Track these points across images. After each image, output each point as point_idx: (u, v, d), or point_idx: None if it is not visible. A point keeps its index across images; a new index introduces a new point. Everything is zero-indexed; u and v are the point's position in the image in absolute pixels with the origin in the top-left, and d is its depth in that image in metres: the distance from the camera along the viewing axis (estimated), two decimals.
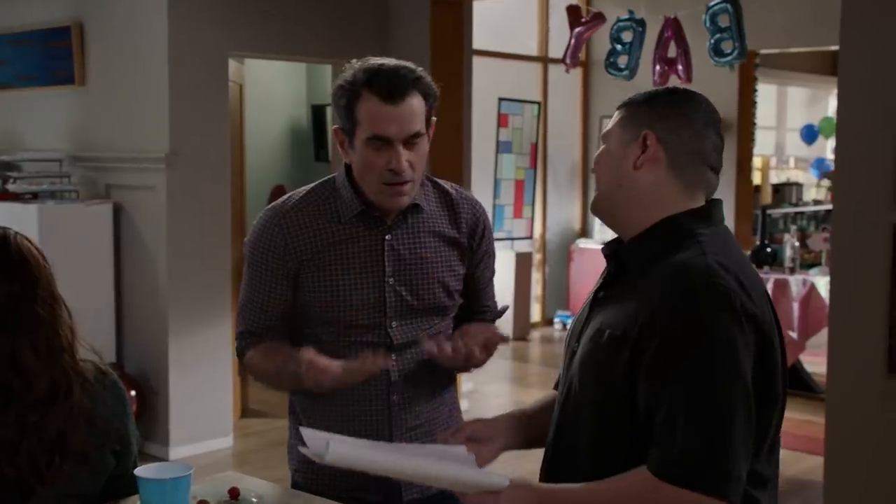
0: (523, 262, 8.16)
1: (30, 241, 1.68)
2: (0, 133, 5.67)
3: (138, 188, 5.02)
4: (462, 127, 5.93)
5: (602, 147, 1.57)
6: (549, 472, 1.57)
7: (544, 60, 8.52)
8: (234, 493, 1.70)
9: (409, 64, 1.84)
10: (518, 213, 8.39)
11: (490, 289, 2.05)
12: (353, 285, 1.85)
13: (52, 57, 5.32)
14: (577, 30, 4.84)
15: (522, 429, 1.69)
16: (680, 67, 4.77)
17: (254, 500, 1.69)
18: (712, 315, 1.35)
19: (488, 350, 1.90)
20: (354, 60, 1.88)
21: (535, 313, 8.61)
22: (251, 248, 1.92)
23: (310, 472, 1.92)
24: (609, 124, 1.57)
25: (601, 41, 7.17)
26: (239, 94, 5.61)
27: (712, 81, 4.85)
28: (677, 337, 1.35)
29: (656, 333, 1.37)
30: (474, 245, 1.98)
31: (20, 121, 5.56)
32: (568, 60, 4.76)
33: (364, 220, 1.87)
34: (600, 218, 1.58)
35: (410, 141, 1.79)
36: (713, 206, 1.51)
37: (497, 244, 8.67)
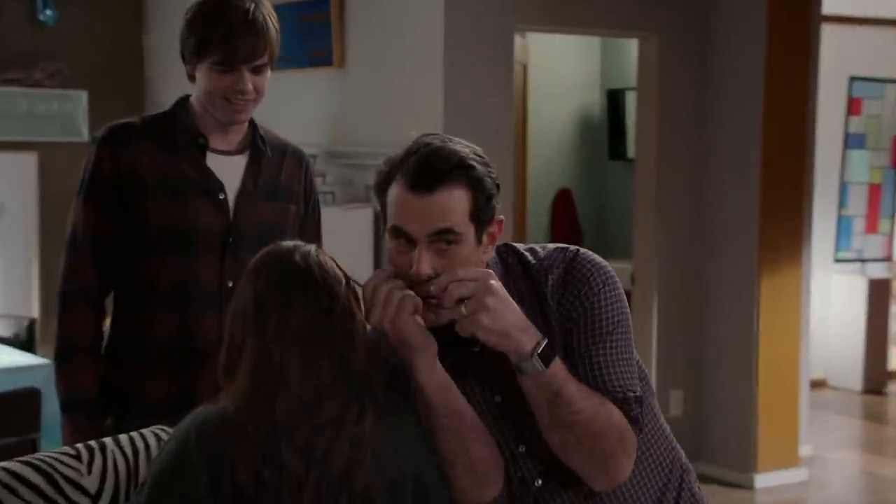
0: (878, 291, 7.83)
1: (326, 255, 1.87)
2: None
3: None
4: (805, 116, 5.75)
5: None
6: None
7: None
8: None
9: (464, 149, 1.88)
10: (872, 228, 8.07)
11: None
12: None
13: (307, 33, 5.65)
14: None
15: None
16: None
17: None
18: None
19: None
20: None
21: (895, 359, 8.15)
22: None
23: None
24: None
25: None
26: (522, 78, 5.71)
27: None
28: None
29: None
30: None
31: (269, 109, 5.95)
32: None
33: None
34: None
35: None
36: None
37: (843, 267, 8.22)
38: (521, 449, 1.92)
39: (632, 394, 1.91)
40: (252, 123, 2.69)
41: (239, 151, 2.64)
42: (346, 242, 5.20)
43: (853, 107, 7.88)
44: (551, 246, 2.01)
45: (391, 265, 1.88)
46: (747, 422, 5.60)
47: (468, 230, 1.85)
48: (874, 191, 8.06)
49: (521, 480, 1.92)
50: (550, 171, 7.43)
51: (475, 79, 5.10)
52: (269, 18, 2.54)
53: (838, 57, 7.31)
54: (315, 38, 5.62)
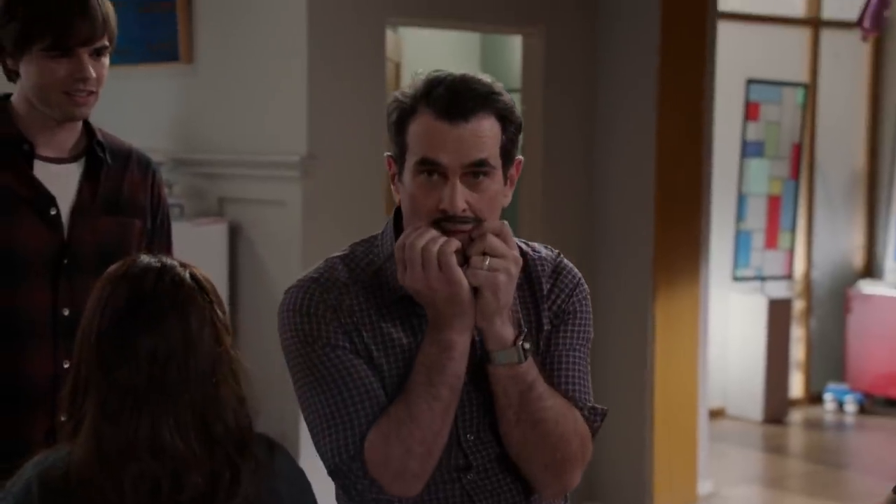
0: (779, 312, 7.97)
1: (198, 279, 1.75)
2: None
3: (263, 203, 5.14)
4: (701, 121, 5.85)
5: None
6: None
7: (815, 23, 8.31)
8: None
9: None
10: (771, 243, 8.22)
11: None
12: None
13: (148, 23, 5.52)
14: None
15: None
16: None
17: None
18: None
19: None
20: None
21: (796, 386, 8.38)
22: None
23: None
24: None
25: None
26: (395, 77, 5.70)
27: None
28: None
29: None
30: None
31: (110, 110, 5.79)
32: (867, 23, 4.59)
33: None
34: None
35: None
36: None
37: (742, 286, 8.31)
38: (470, 437, 2.01)
39: (599, 406, 2.08)
40: (87, 125, 2.59)
41: (72, 159, 2.53)
42: (196, 263, 5.08)
43: (751, 112, 8.03)
44: (536, 244, 2.16)
45: (413, 205, 1.95)
46: (641, 456, 5.65)
47: (498, 165, 1.96)
48: (773, 203, 8.22)
49: (455, 469, 1.99)
50: None
51: (343, 77, 5.05)
52: None
53: (735, 57, 7.48)
54: (158, 29, 5.50)
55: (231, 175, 5.27)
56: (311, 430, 1.96)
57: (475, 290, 1.91)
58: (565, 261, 2.14)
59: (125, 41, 6.00)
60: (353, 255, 2.06)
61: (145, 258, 1.79)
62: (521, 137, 2.02)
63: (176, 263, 1.79)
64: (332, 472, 1.94)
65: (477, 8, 5.54)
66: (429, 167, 1.92)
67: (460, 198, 1.91)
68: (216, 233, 5.17)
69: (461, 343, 1.93)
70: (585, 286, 2.14)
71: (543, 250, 2.13)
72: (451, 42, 7.46)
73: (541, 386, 1.97)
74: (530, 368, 1.96)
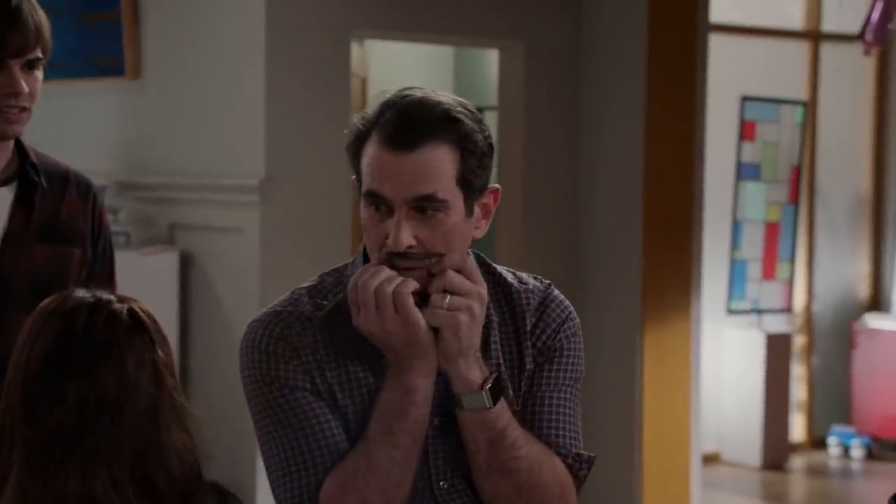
0: (778, 348, 7.97)
1: (137, 315, 1.71)
2: None
3: (217, 230, 5.12)
4: (692, 142, 5.86)
5: None
6: None
7: (815, 37, 8.37)
8: None
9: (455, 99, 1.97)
10: (769, 273, 8.24)
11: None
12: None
13: (90, 35, 5.51)
14: None
15: None
16: None
17: None
18: None
19: None
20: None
21: (797, 429, 8.38)
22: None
23: None
24: None
25: None
26: (361, 94, 5.69)
27: None
28: None
29: None
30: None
31: (45, 129, 5.76)
32: (870, 36, 4.61)
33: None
34: None
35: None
36: None
37: (737, 319, 8.31)
38: (443, 484, 2.00)
39: (584, 453, 2.06)
40: (19, 146, 2.55)
41: (3, 182, 2.50)
42: (144, 295, 5.03)
43: (746, 131, 8.05)
44: (525, 274, 2.14)
45: (367, 237, 1.94)
46: None
47: (455, 197, 1.92)
48: (771, 230, 8.23)
49: None
50: None
51: (304, 94, 5.04)
52: (33, 2, 2.45)
53: (728, 73, 7.50)
54: (101, 41, 5.49)
55: (182, 200, 5.25)
56: (268, 475, 1.97)
57: (436, 331, 1.90)
58: (555, 293, 2.12)
59: (62, 53, 6.00)
60: (321, 287, 2.04)
61: (80, 292, 1.76)
62: (492, 163, 1.98)
63: (113, 298, 1.76)
64: None
65: (450, 20, 5.53)
66: (375, 200, 1.91)
67: (405, 235, 1.89)
68: (166, 262, 5.14)
69: (424, 387, 1.92)
70: (576, 320, 2.12)
71: (532, 281, 2.11)
72: (422, 56, 7.46)
73: (514, 432, 1.96)
74: (502, 414, 1.94)
